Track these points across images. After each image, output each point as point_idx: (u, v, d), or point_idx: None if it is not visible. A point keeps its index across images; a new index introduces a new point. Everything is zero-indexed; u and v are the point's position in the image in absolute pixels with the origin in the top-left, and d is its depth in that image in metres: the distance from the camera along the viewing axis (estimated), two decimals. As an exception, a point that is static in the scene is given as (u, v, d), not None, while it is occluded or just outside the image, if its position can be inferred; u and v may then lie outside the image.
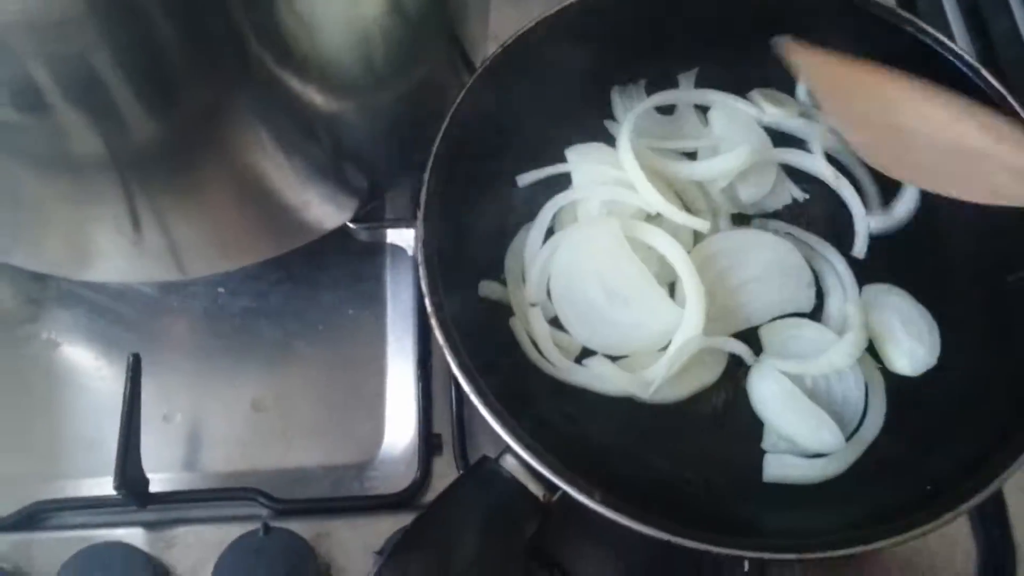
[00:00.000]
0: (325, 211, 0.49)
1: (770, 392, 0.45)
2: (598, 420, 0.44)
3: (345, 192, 0.49)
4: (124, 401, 0.45)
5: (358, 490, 0.47)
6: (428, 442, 0.48)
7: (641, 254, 0.46)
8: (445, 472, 0.48)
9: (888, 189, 0.50)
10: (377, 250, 0.55)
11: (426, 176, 0.44)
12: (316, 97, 0.42)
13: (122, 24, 0.34)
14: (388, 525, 0.45)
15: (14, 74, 0.34)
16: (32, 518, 0.46)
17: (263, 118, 0.42)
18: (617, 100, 0.52)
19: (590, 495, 0.37)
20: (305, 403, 0.51)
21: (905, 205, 0.49)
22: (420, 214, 0.43)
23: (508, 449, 0.39)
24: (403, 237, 0.53)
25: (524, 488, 0.39)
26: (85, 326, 0.53)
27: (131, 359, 0.46)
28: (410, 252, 0.53)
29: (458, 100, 0.46)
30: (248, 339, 0.53)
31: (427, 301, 0.41)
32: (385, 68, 0.43)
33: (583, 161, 0.49)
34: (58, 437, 0.50)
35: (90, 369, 0.52)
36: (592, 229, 0.47)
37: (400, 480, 0.48)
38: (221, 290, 0.54)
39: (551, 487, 0.39)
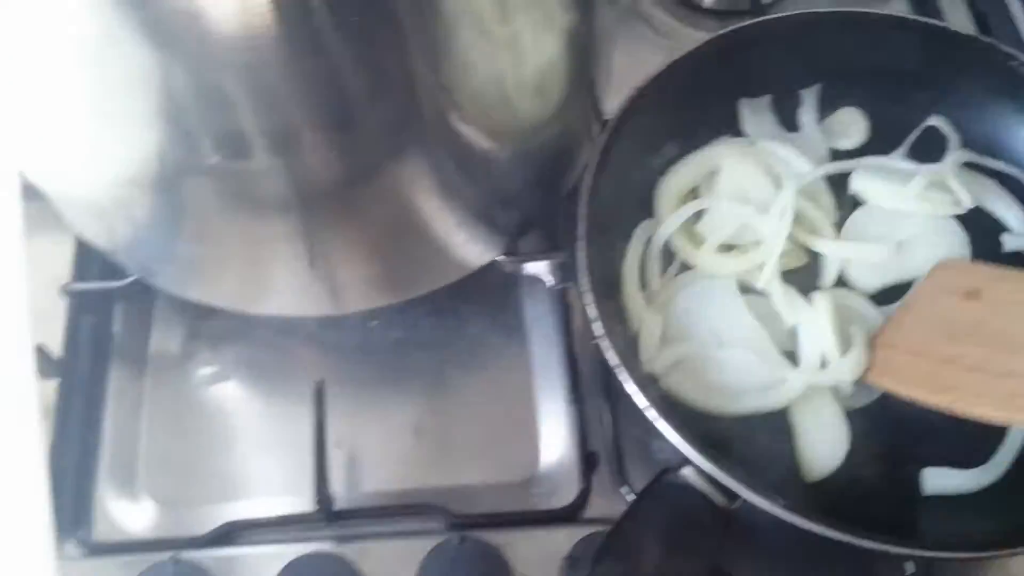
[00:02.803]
0: (477, 248, 0.53)
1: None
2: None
3: (496, 231, 0.54)
4: (315, 424, 0.50)
5: (525, 505, 0.51)
6: (587, 460, 0.52)
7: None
8: (605, 486, 0.51)
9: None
10: (513, 282, 0.59)
11: (580, 224, 0.49)
12: (474, 142, 0.46)
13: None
14: (561, 536, 0.49)
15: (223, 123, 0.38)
16: (228, 536, 0.49)
17: (429, 161, 0.46)
18: (746, 113, 0.57)
19: (774, 502, 0.42)
20: (462, 427, 0.55)
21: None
22: (581, 251, 0.47)
23: (687, 462, 0.43)
24: (537, 268, 0.57)
25: (707, 498, 0.43)
26: (254, 359, 0.57)
27: (316, 385, 0.50)
28: (547, 283, 0.57)
29: (599, 151, 0.51)
30: (403, 368, 0.57)
31: (595, 327, 0.46)
32: (533, 115, 0.48)
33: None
34: (233, 464, 0.54)
35: (258, 399, 0.56)
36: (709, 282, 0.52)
37: (563, 495, 0.52)
38: (374, 323, 0.58)
39: (731, 496, 0.43)
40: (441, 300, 0.58)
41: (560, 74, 0.46)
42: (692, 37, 0.59)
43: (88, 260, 0.57)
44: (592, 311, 0.46)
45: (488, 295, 0.59)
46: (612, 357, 0.45)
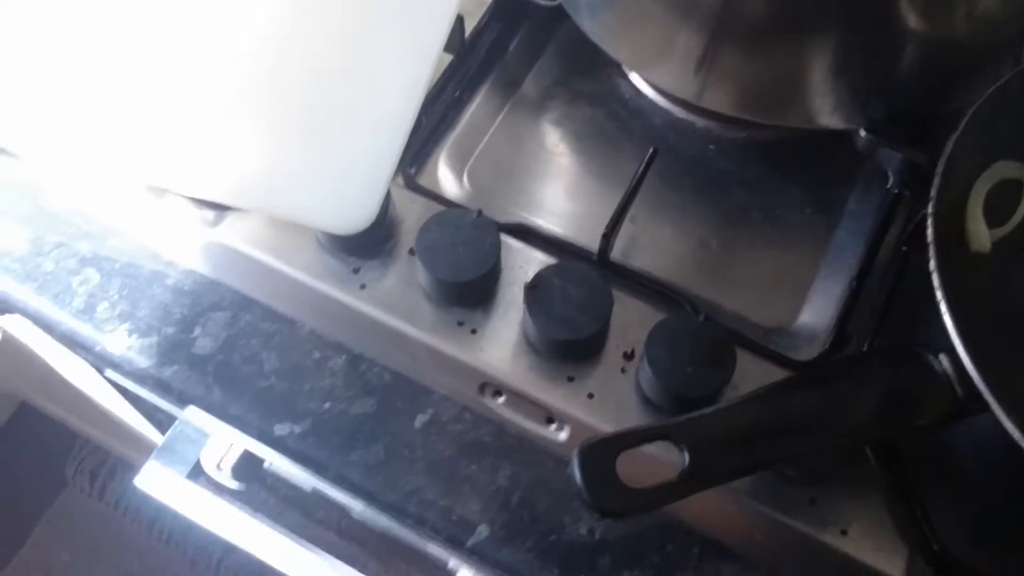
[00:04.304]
0: (842, 111, 0.55)
1: None
2: None
3: (865, 106, 0.55)
4: (633, 179, 0.55)
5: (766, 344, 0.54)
6: (841, 334, 0.53)
7: None
8: (843, 365, 0.53)
9: None
10: (851, 171, 0.61)
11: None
12: (911, 17, 0.48)
13: None
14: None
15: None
16: (516, 231, 0.56)
17: (855, 17, 0.49)
18: None
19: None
20: (742, 260, 0.59)
21: None
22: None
23: (950, 350, 0.44)
24: (888, 160, 0.58)
25: (951, 386, 0.44)
26: (600, 123, 0.63)
27: (652, 151, 0.55)
28: (889, 183, 0.58)
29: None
30: (716, 192, 0.61)
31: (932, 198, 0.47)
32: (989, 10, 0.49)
33: None
34: (543, 189, 0.61)
35: (587, 154, 0.63)
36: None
37: (802, 355, 0.54)
38: (712, 147, 0.62)
39: (977, 399, 0.43)
40: (781, 156, 0.62)
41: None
42: None
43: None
44: (935, 190, 0.47)
45: (822, 172, 0.61)
46: (931, 232, 0.46)
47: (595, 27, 0.59)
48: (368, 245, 0.54)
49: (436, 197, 0.58)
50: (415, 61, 0.54)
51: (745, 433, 0.42)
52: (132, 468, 1.49)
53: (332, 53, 0.54)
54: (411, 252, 0.54)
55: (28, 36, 0.54)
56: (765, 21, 0.51)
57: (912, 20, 0.49)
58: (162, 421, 0.88)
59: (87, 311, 0.56)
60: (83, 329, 0.56)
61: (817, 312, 0.56)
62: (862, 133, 0.56)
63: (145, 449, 1.19)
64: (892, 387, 0.44)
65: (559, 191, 0.61)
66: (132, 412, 0.95)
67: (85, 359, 0.62)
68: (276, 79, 0.53)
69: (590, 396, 0.51)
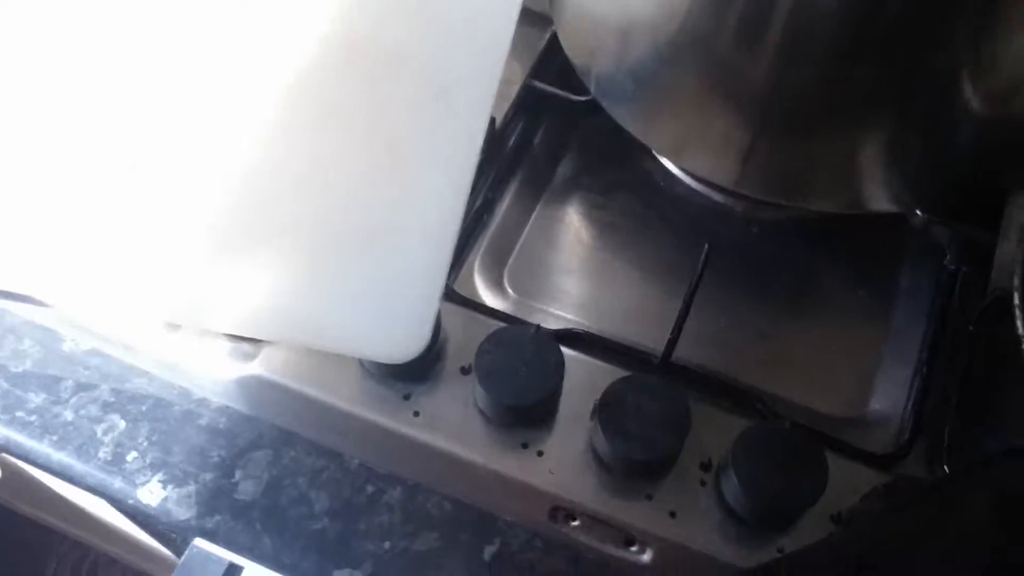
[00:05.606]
0: (903, 195, 0.54)
1: None
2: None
3: (918, 193, 0.54)
4: (692, 282, 0.52)
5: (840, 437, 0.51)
6: (918, 422, 0.51)
7: None
8: (920, 458, 0.51)
9: None
10: (902, 248, 0.59)
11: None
12: (964, 111, 0.47)
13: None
14: (868, 476, 0.49)
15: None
16: (567, 339, 0.53)
17: (905, 103, 0.48)
18: None
19: None
20: (803, 349, 0.56)
21: None
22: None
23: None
24: (944, 237, 0.56)
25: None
26: (636, 212, 0.61)
27: (707, 248, 0.53)
28: (945, 259, 0.56)
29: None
30: (765, 278, 0.59)
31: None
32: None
33: None
34: (586, 289, 0.59)
35: (629, 246, 0.60)
36: None
37: (877, 446, 0.51)
38: (754, 229, 0.61)
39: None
40: (825, 237, 0.60)
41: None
42: None
43: (547, 65, 0.63)
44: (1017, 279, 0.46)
45: (867, 248, 0.60)
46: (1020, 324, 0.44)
47: (630, 117, 0.57)
48: (419, 368, 0.51)
49: (479, 307, 0.55)
50: (454, 167, 0.52)
51: (869, 561, 0.39)
52: (115, 562, 1.42)
53: (366, 167, 0.51)
54: (463, 371, 0.51)
55: (38, 174, 0.50)
56: (819, 108, 0.50)
57: (974, 104, 0.47)
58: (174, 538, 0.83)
59: (115, 462, 0.52)
60: (113, 482, 0.51)
61: (886, 398, 0.54)
62: (917, 212, 0.55)
63: (128, 546, 1.13)
64: (1006, 492, 0.42)
65: (603, 288, 0.59)
66: (138, 530, 0.89)
67: (116, 510, 0.57)
68: (310, 201, 0.50)
69: (672, 515, 0.48)
